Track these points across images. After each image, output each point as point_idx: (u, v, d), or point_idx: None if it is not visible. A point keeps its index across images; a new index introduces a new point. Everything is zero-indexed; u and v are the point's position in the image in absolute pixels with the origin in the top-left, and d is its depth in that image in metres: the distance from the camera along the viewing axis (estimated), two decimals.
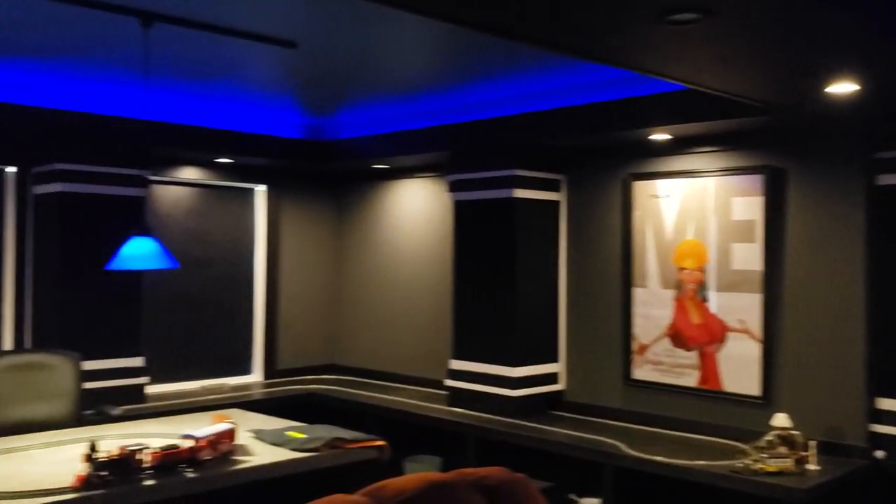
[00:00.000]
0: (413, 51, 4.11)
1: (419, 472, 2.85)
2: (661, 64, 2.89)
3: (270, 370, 6.36)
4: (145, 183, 5.30)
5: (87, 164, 5.05)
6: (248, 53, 4.05)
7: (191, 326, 6.00)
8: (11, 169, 5.24)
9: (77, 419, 4.19)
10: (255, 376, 6.35)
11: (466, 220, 5.34)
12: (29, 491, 2.91)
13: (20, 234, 5.25)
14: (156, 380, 5.51)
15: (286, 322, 6.47)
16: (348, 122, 5.91)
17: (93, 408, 4.36)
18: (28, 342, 5.21)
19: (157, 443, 3.29)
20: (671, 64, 2.89)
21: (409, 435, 5.29)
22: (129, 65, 4.22)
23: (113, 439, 3.49)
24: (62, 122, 4.90)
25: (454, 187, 5.39)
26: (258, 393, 5.90)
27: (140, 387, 5.27)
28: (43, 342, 5.03)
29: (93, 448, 3.01)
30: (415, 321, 6.14)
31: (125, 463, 3.04)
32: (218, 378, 6.07)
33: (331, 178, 6.67)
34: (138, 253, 3.52)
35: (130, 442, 3.20)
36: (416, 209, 6.19)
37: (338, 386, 6.13)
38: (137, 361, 5.26)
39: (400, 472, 4.94)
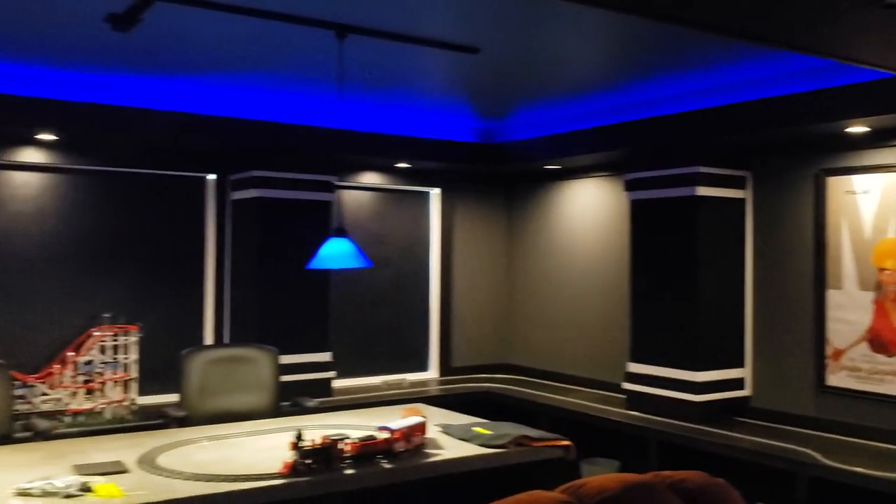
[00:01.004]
0: (590, 49, 4.07)
1: (607, 474, 2.82)
2: (873, 52, 2.73)
3: (446, 367, 6.51)
4: (333, 188, 5.56)
5: (281, 170, 5.36)
6: (430, 61, 4.15)
7: (371, 324, 6.24)
8: (212, 176, 5.65)
9: (275, 410, 4.44)
10: (432, 373, 6.51)
11: (644, 219, 5.25)
12: (241, 475, 3.08)
13: (219, 236, 5.64)
14: (341, 374, 5.77)
15: (460, 321, 6.60)
16: (520, 124, 5.94)
17: (289, 399, 4.61)
18: (227, 337, 5.58)
19: (354, 434, 3.42)
20: (884, 51, 2.72)
21: (583, 437, 5.24)
22: (321, 76, 4.43)
23: (313, 430, 3.67)
24: (258, 132, 5.20)
25: (631, 186, 5.31)
26: (435, 389, 6.04)
27: (328, 381, 5.53)
28: (241, 337, 5.37)
29: (299, 437, 3.17)
30: (587, 322, 6.09)
31: (328, 452, 3.17)
32: (397, 374, 6.27)
33: (502, 179, 6.74)
34: (336, 253, 3.68)
35: (332, 432, 3.36)
36: (588, 209, 6.14)
37: (511, 385, 6.18)
38: (326, 356, 5.52)
39: (577, 474, 4.92)
